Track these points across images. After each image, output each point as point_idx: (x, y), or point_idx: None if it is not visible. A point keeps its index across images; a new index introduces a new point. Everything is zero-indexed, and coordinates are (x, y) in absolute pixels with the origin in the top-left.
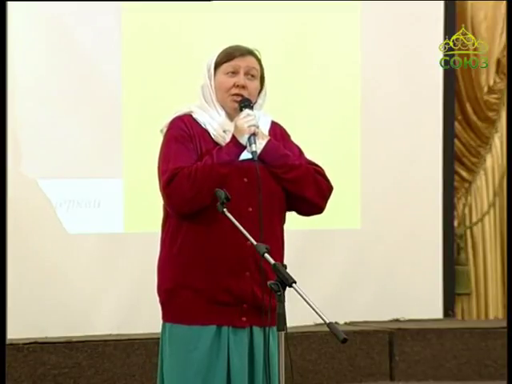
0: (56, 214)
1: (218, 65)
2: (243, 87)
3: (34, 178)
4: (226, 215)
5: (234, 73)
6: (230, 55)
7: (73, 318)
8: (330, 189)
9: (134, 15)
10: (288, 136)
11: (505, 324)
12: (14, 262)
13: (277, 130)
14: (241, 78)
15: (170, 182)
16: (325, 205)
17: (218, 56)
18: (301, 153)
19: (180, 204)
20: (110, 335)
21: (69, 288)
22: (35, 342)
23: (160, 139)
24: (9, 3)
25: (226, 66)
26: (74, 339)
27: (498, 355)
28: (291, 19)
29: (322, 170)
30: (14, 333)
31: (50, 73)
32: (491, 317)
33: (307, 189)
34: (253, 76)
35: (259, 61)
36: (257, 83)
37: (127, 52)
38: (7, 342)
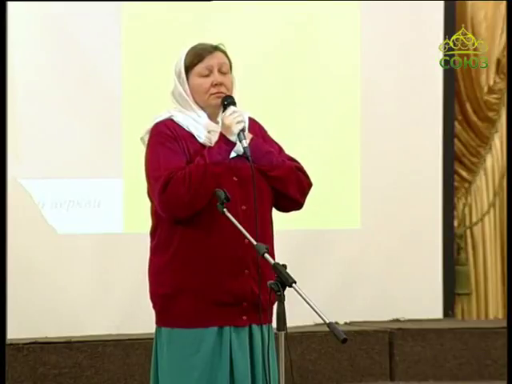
0: (56, 214)
1: (188, 68)
2: (221, 84)
3: (34, 178)
4: (226, 215)
5: (209, 73)
6: (199, 56)
7: (73, 318)
8: (309, 185)
9: (134, 15)
10: (265, 132)
11: (505, 324)
12: (15, 261)
13: (255, 127)
14: (217, 77)
15: (165, 188)
16: (304, 201)
17: (186, 59)
18: (280, 149)
19: (178, 209)
20: (110, 335)
21: (68, 288)
22: (35, 342)
23: None
24: (9, 3)
25: (200, 69)
26: (74, 339)
27: (498, 355)
28: (291, 19)
29: (302, 166)
30: (13, 333)
31: (49, 73)
32: (491, 317)
33: (290, 186)
34: (226, 71)
35: (226, 53)
36: (230, 77)
37: (127, 52)
38: (7, 341)
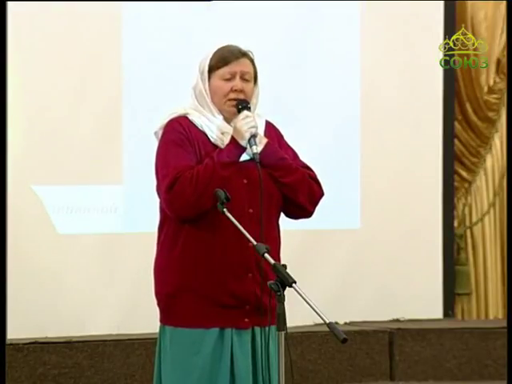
0: (57, 215)
1: (212, 69)
2: (241, 91)
3: (36, 183)
4: (226, 215)
5: (231, 77)
6: (225, 60)
7: (73, 318)
8: (321, 195)
9: (135, 15)
10: (282, 137)
11: (505, 324)
12: (15, 261)
13: (272, 131)
14: (238, 83)
15: (172, 186)
16: (314, 210)
17: (212, 59)
18: (295, 155)
19: (183, 209)
20: (110, 335)
21: (69, 288)
22: (35, 342)
23: None
24: (9, 3)
25: (223, 72)
26: (74, 339)
27: (498, 355)
28: (291, 19)
29: (315, 174)
30: (13, 333)
31: (49, 75)
32: (491, 317)
33: (301, 194)
34: (248, 78)
35: (252, 61)
36: (252, 85)
37: (128, 53)
38: (7, 342)
